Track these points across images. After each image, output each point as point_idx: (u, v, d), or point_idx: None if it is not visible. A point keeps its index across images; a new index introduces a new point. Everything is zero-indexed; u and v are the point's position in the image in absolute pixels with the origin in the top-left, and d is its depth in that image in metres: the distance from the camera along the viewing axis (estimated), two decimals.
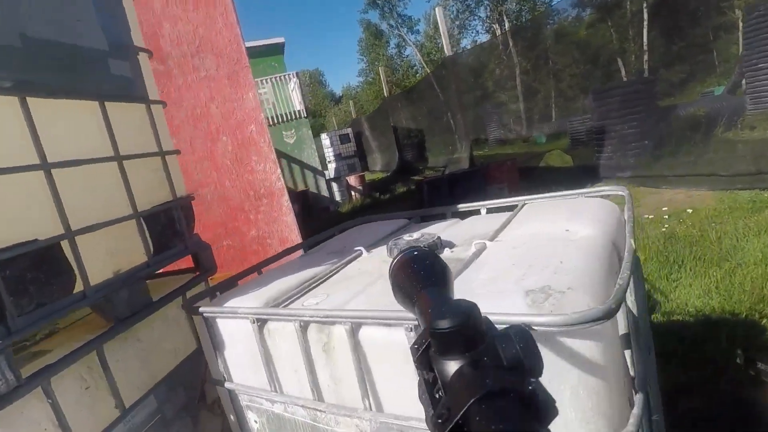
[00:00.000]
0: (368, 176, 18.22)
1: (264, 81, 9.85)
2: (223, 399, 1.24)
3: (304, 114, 10.16)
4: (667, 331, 2.57)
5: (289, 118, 10.09)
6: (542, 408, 0.33)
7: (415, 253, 0.54)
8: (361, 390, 0.89)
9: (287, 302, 1.10)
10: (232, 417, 1.21)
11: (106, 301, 1.20)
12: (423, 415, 0.81)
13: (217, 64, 3.62)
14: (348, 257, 1.37)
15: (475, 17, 28.78)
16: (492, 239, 1.18)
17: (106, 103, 1.30)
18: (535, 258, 0.93)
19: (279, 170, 3.87)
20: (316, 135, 16.71)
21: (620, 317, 0.73)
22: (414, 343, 0.42)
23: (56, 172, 1.08)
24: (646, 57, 13.26)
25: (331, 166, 13.59)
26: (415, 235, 1.29)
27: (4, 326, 0.92)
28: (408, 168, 15.44)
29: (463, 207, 1.70)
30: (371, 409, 0.89)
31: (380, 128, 18.26)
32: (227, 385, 1.17)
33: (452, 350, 0.37)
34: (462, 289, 0.89)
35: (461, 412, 0.32)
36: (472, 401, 0.32)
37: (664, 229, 4.02)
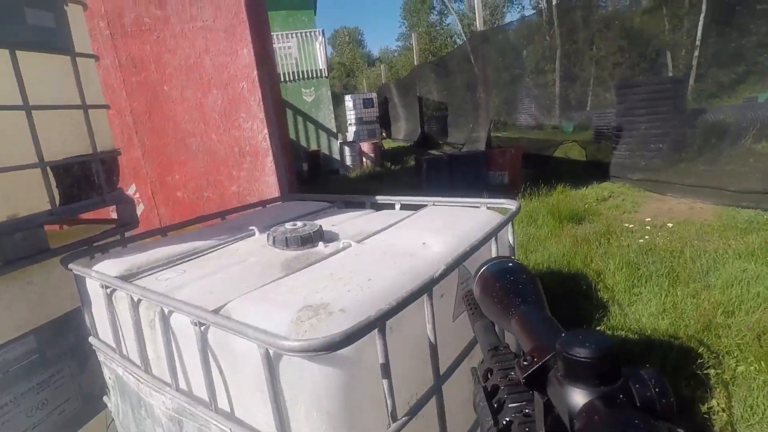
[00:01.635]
0: (389, 144, 18.08)
1: (290, 35, 9.71)
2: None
3: (325, 73, 10.03)
4: None
5: (311, 75, 9.99)
6: None
7: (509, 264, 0.54)
8: (170, 369, 0.93)
9: (146, 273, 1.14)
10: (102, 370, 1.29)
11: None
12: (207, 403, 0.84)
13: (214, 16, 3.58)
14: (238, 235, 1.39)
15: None
16: (360, 240, 1.18)
17: (20, 53, 1.33)
18: (358, 270, 0.94)
19: (266, 130, 3.89)
20: (348, 93, 16.51)
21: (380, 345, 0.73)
22: (524, 359, 0.42)
23: None
24: (696, 52, 12.42)
25: (351, 129, 13.51)
26: (299, 223, 1.30)
27: None
28: (429, 141, 15.22)
29: (381, 199, 1.70)
30: (176, 389, 0.93)
31: (407, 97, 17.92)
32: (90, 339, 1.24)
33: (586, 380, 0.36)
34: (278, 290, 0.90)
35: None
36: None
37: (641, 241, 3.91)
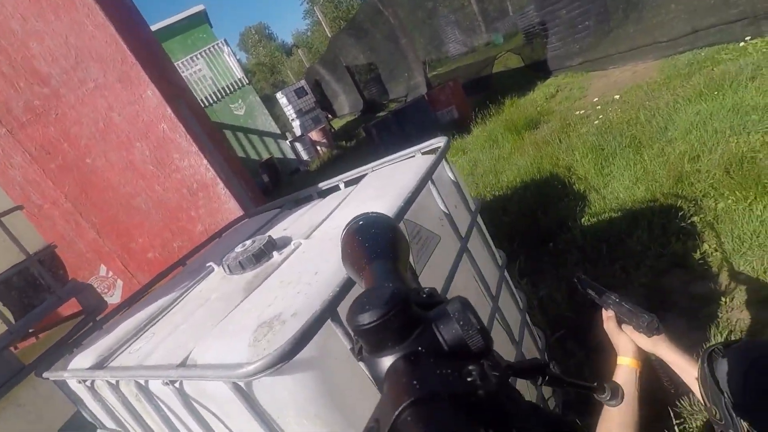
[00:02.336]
0: (338, 122, 17.84)
1: (194, 58, 9.36)
2: None
3: (245, 81, 9.74)
4: (593, 232, 2.60)
5: (233, 88, 9.70)
6: (489, 403, 0.28)
7: (360, 222, 0.49)
8: None
9: (120, 351, 1.11)
10: None
11: None
12: None
13: (103, 71, 3.42)
14: (198, 276, 1.37)
15: None
16: (308, 236, 1.17)
17: None
18: (305, 268, 0.92)
19: (205, 160, 3.78)
20: (278, 90, 16.14)
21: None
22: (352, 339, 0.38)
23: None
24: None
25: (296, 124, 13.24)
26: (248, 242, 1.27)
27: None
28: (374, 105, 15.03)
29: (325, 185, 1.67)
30: None
31: (336, 71, 17.56)
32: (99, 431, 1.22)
33: (382, 346, 0.33)
34: (235, 318, 0.89)
35: (388, 427, 0.27)
36: (397, 412, 0.27)
37: (597, 122, 3.94)
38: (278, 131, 10.29)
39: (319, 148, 10.32)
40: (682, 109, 3.38)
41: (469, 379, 0.29)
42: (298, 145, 10.25)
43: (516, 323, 1.38)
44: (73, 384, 1.16)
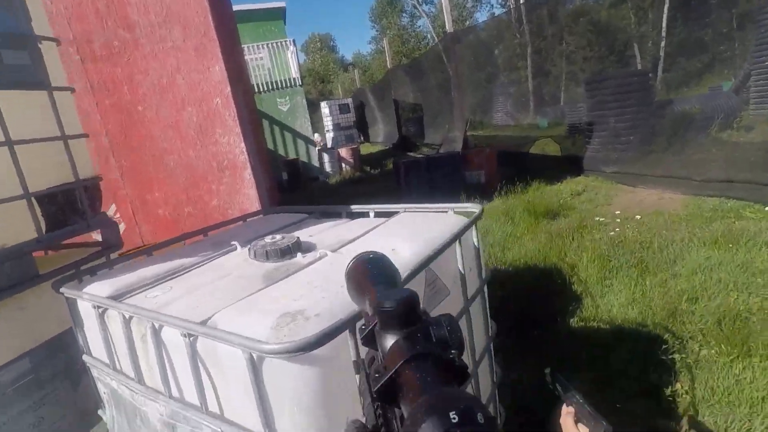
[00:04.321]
0: (368, 148, 18.18)
1: (261, 46, 9.75)
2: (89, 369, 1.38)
3: (299, 82, 10.10)
4: (578, 336, 2.68)
5: (285, 85, 10.04)
6: (458, 372, 0.42)
7: (371, 256, 0.62)
8: (162, 378, 1.01)
9: (135, 292, 1.21)
10: (93, 386, 1.35)
11: None
12: (199, 407, 0.92)
13: (184, 36, 3.63)
14: (221, 250, 1.47)
15: None
16: (336, 250, 1.28)
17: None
18: (332, 278, 1.03)
19: (243, 144, 3.94)
20: (323, 99, 16.57)
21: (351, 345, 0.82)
22: (362, 325, 0.51)
23: None
24: (663, 43, 12.73)
25: (329, 135, 13.58)
26: (278, 236, 1.38)
27: None
28: (407, 143, 15.38)
29: (356, 209, 1.79)
30: (168, 396, 1.01)
31: (383, 100, 18.07)
32: (84, 357, 1.30)
33: (392, 326, 0.46)
34: (260, 300, 0.99)
35: (394, 369, 0.41)
36: (402, 361, 0.41)
37: (612, 233, 4.08)
38: (312, 136, 10.55)
39: (344, 165, 10.54)
40: (695, 250, 3.50)
41: (450, 356, 0.43)
42: (325, 156, 10.48)
43: (485, 393, 1.46)
44: (84, 306, 1.25)
